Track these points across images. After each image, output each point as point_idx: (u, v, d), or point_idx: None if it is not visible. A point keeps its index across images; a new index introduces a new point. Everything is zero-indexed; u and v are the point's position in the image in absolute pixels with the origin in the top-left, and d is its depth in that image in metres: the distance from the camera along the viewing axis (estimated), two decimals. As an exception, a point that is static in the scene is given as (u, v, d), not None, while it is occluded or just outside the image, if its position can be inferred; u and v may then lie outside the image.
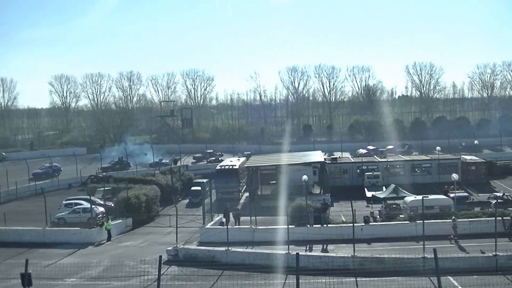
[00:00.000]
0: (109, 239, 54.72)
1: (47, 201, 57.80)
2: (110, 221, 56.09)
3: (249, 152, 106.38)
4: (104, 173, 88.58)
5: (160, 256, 25.71)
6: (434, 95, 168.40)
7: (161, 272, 25.84)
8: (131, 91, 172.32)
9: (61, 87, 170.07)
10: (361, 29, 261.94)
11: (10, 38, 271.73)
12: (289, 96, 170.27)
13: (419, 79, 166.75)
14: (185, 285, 35.47)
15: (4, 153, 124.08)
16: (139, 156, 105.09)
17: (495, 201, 58.08)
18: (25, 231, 56.96)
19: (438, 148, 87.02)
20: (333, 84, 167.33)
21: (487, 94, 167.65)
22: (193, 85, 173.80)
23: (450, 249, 41.55)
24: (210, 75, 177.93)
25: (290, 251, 40.55)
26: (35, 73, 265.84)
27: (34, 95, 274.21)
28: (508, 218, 48.99)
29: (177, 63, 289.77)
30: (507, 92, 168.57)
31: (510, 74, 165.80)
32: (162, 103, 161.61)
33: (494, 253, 37.69)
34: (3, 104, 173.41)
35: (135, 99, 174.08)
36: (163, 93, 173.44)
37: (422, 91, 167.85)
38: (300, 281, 23.59)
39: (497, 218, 43.87)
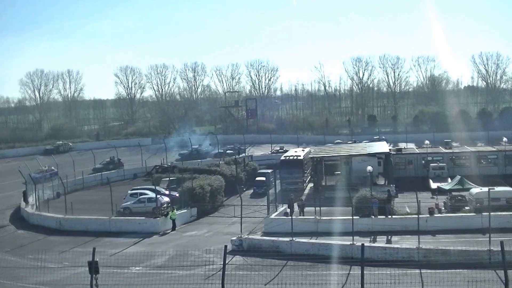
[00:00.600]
0: (173, 228, 55.29)
1: (113, 191, 58.69)
2: (175, 211, 56.65)
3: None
4: (169, 163, 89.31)
5: (225, 246, 25.92)
6: (500, 85, 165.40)
7: (226, 262, 26.07)
8: (196, 82, 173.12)
9: (126, 78, 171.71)
10: (426, 19, 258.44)
11: (76, 30, 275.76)
12: (354, 87, 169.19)
13: (485, 69, 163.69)
14: (249, 275, 35.61)
15: (71, 144, 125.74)
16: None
17: None
18: (92, 220, 58.03)
19: (504, 139, 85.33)
20: (398, 75, 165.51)
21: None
22: (258, 76, 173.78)
23: (517, 241, 40.96)
24: (275, 66, 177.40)
25: (355, 242, 40.51)
26: (100, 65, 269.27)
27: (99, 86, 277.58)
28: None
29: (241, 53, 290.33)
30: None
31: None
32: (227, 94, 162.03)
33: None
34: (69, 95, 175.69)
35: (199, 89, 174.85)
36: (227, 84, 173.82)
37: (489, 81, 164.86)
38: (364, 272, 23.62)
39: None
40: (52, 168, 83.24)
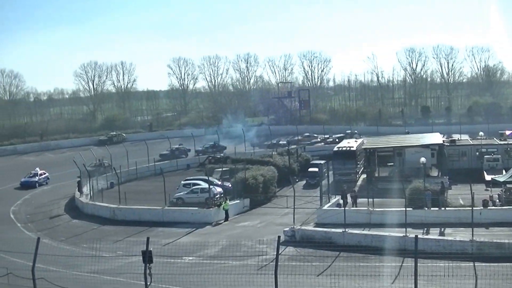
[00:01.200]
0: (226, 219, 55.61)
1: (166, 181, 59.01)
2: (227, 202, 56.94)
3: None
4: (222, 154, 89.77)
5: (279, 237, 26.04)
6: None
7: (279, 252, 26.22)
8: (248, 73, 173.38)
9: (179, 69, 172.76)
10: (481, 8, 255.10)
11: (129, 22, 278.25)
12: (407, 77, 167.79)
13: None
14: (302, 266, 35.77)
15: (124, 134, 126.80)
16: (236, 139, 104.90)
17: None
18: (145, 210, 58.61)
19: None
20: (452, 65, 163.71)
21: None
22: (310, 66, 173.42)
23: None
24: (327, 56, 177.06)
25: (407, 234, 40.39)
26: (153, 56, 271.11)
27: (152, 77, 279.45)
28: None
29: (293, 44, 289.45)
30: None
31: None
32: (279, 85, 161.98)
33: None
34: (123, 86, 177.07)
35: (252, 80, 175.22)
36: (280, 75, 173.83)
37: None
38: (417, 264, 23.58)
39: None
40: (105, 161, 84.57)
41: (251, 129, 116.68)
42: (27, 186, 77.90)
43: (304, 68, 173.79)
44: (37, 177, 79.80)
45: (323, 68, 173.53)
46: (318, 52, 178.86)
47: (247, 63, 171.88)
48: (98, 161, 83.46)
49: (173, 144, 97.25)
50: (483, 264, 34.16)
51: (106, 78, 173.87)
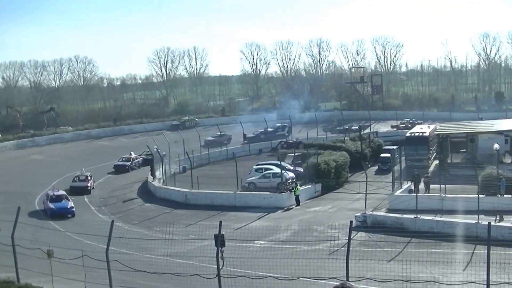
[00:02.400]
0: (297, 204, 55.85)
1: (238, 166, 59.53)
2: (298, 187, 57.20)
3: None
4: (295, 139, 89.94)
5: (351, 222, 26.33)
6: None
7: (351, 237, 26.47)
8: (321, 58, 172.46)
9: (251, 54, 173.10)
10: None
11: (201, 7, 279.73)
12: (481, 63, 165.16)
13: None
14: (373, 251, 35.94)
15: (196, 119, 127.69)
16: None
17: None
18: (217, 195, 59.32)
19: None
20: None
21: None
22: (383, 52, 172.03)
23: None
24: (400, 42, 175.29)
25: (480, 221, 40.15)
26: (226, 41, 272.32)
27: (225, 62, 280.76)
28: None
29: (366, 29, 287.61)
30: None
31: None
32: (352, 70, 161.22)
33: None
34: (195, 71, 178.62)
35: (324, 65, 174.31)
36: (352, 60, 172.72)
37: None
38: (490, 251, 23.56)
39: None
40: (225, 133, 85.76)
41: (323, 114, 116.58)
42: (120, 170, 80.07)
43: (376, 53, 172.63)
44: (129, 162, 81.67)
45: (396, 53, 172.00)
46: (391, 37, 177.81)
47: (320, 48, 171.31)
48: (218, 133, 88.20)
49: (245, 129, 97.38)
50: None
51: (178, 63, 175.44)
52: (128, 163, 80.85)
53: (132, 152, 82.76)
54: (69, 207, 54.61)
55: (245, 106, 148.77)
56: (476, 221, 40.47)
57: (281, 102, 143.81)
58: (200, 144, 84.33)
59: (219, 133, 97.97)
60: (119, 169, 79.63)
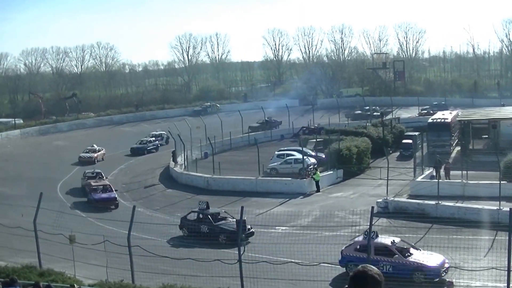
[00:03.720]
0: (318, 190, 55.97)
1: (260, 151, 59.71)
2: (318, 173, 57.25)
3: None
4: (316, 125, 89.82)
5: (372, 207, 26.50)
6: None
7: (372, 223, 26.63)
8: (343, 44, 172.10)
9: (274, 40, 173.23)
10: None
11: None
12: (503, 49, 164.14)
13: None
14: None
15: (218, 105, 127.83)
16: None
17: None
18: (239, 180, 59.60)
19: None
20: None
21: None
22: (405, 38, 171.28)
23: None
24: (422, 28, 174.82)
25: (501, 207, 40.12)
26: (248, 27, 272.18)
27: (247, 48, 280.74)
28: None
29: (388, 15, 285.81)
30: None
31: None
32: (374, 56, 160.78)
33: None
34: (217, 57, 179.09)
35: (346, 51, 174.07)
36: (374, 46, 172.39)
37: None
38: (511, 238, 23.62)
39: None
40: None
41: (346, 100, 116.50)
42: (137, 152, 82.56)
43: (399, 39, 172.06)
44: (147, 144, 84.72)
45: (418, 39, 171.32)
46: (413, 23, 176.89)
47: (342, 34, 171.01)
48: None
49: (267, 114, 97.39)
50: None
51: (200, 49, 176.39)
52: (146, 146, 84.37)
53: (94, 144, 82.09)
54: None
55: (267, 92, 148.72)
56: (498, 208, 40.39)
57: (303, 88, 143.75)
58: (221, 130, 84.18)
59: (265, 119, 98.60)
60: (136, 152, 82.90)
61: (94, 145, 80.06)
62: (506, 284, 23.80)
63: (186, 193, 58.66)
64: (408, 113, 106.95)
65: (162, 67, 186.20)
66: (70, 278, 27.44)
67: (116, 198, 54.09)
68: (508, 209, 25.55)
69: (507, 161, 52.07)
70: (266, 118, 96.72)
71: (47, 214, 31.38)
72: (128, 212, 29.73)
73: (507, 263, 23.56)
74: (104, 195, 53.86)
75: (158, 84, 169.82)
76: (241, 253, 26.05)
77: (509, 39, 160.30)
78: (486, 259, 30.05)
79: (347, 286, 6.83)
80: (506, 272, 23.65)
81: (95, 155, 77.38)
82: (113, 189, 55.73)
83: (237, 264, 26.33)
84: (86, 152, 77.64)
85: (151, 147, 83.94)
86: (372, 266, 6.87)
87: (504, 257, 24.32)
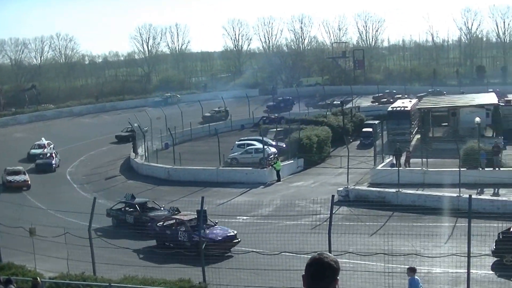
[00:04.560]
0: (278, 179, 56.00)
1: (221, 141, 59.50)
2: (279, 162, 57.24)
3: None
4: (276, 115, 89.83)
5: (332, 196, 26.48)
6: None
7: (333, 212, 26.59)
8: (303, 33, 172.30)
9: (233, 30, 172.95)
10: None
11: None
12: (462, 37, 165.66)
13: None
14: (355, 226, 36.11)
15: (179, 95, 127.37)
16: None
17: None
18: (200, 171, 59.48)
19: None
20: (508, 24, 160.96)
21: None
22: (365, 27, 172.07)
23: None
24: (382, 17, 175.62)
25: (461, 194, 40.38)
26: (208, 18, 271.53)
27: (207, 39, 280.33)
28: None
29: (348, 5, 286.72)
30: None
31: None
32: (334, 45, 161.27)
33: None
34: (177, 48, 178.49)
35: (306, 41, 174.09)
36: (334, 35, 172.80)
37: None
38: (471, 224, 23.76)
39: None
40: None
41: (306, 89, 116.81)
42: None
43: (358, 29, 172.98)
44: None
45: (378, 28, 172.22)
46: (373, 13, 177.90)
47: (302, 23, 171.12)
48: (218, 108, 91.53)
49: (227, 104, 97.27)
50: (538, 224, 34.25)
51: (160, 40, 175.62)
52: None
53: (42, 138, 79.43)
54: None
55: (227, 82, 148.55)
56: (458, 195, 40.71)
57: (263, 77, 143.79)
58: (182, 120, 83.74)
59: (216, 109, 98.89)
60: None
61: (43, 139, 76.69)
62: (466, 270, 23.92)
63: (147, 184, 58.33)
64: (368, 102, 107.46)
65: (122, 58, 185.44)
66: (31, 271, 27.18)
67: (26, 180, 58.84)
68: (467, 196, 25.71)
69: (467, 149, 52.50)
70: (223, 107, 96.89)
71: (7, 207, 31.05)
72: (88, 204, 29.46)
73: (467, 249, 23.67)
74: (17, 178, 58.77)
75: (118, 75, 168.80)
76: (203, 244, 25.97)
77: (468, 27, 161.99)
78: (447, 246, 30.20)
79: (303, 274, 6.73)
80: (466, 258, 23.76)
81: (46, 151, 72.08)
82: (26, 173, 60.04)
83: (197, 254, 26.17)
84: (36, 148, 73.62)
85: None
86: (328, 253, 6.79)
87: (464, 243, 24.44)
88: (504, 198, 41.66)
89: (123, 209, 42.67)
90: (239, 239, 33.41)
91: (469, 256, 23.61)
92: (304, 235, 30.83)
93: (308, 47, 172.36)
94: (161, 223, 37.50)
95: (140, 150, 69.79)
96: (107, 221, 41.00)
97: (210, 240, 31.46)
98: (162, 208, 42.01)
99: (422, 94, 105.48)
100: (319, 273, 6.58)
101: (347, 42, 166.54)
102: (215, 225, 35.18)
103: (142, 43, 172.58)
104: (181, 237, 34.40)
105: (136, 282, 25.41)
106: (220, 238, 33.06)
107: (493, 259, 28.45)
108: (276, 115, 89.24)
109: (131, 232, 37.49)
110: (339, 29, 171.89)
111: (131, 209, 42.15)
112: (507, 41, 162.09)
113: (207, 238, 30.41)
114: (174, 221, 36.93)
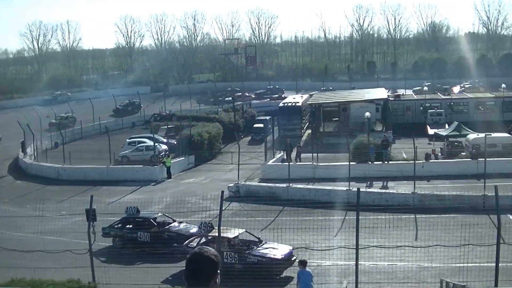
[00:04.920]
0: (169, 176, 55.57)
1: (111, 139, 59.03)
2: (169, 159, 56.85)
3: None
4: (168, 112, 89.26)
5: (222, 192, 26.15)
6: (501, 32, 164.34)
7: (223, 208, 26.30)
8: (195, 30, 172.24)
9: (126, 27, 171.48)
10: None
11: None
12: (354, 33, 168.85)
13: (487, 16, 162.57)
14: (246, 221, 35.92)
15: (69, 94, 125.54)
16: None
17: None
18: (90, 169, 58.54)
19: (503, 85, 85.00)
20: (399, 21, 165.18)
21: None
22: (258, 23, 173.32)
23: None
24: (275, 13, 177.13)
25: (351, 188, 40.76)
26: (100, 15, 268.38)
27: (99, 36, 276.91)
28: None
29: (241, 1, 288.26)
30: None
31: None
32: (226, 41, 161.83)
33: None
34: (68, 45, 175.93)
35: (199, 37, 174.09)
36: (227, 32, 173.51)
37: (489, 28, 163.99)
38: (360, 217, 23.88)
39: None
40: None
41: (198, 86, 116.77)
42: None
43: (251, 25, 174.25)
44: None
45: (270, 25, 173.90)
46: (266, 9, 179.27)
47: (194, 20, 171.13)
48: (65, 114, 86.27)
49: (118, 102, 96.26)
50: (424, 215, 34.97)
51: (51, 37, 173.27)
52: None
53: None
54: None
55: (119, 80, 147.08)
56: (347, 188, 41.09)
57: (155, 75, 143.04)
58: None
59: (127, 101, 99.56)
60: None
61: None
62: (355, 262, 24.00)
63: (36, 184, 56.91)
64: (260, 98, 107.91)
65: (11, 56, 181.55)
66: None
67: None
68: (356, 189, 25.85)
69: (356, 143, 53.23)
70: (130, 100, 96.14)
71: None
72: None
73: (355, 241, 23.75)
74: None
75: (7, 73, 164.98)
76: (92, 242, 25.46)
77: (359, 23, 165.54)
78: (336, 239, 30.29)
79: (184, 269, 6.50)
80: (355, 250, 23.84)
81: None
82: None
83: (88, 254, 26.01)
84: None
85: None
86: (209, 248, 6.59)
87: (353, 236, 24.50)
88: (392, 191, 42.31)
89: (129, 225, 35.82)
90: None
91: (357, 248, 23.70)
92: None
93: (201, 44, 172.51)
94: (193, 242, 29.95)
95: (29, 150, 68.08)
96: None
97: (269, 260, 28.00)
98: (175, 222, 35.60)
99: (260, 91, 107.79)
100: (200, 267, 6.50)
101: (239, 38, 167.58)
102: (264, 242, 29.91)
103: (32, 40, 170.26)
104: (227, 258, 27.90)
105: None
106: (282, 256, 28.30)
107: (380, 250, 28.60)
108: (167, 112, 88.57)
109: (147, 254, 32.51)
110: (232, 26, 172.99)
111: (144, 225, 35.09)
112: (398, 38, 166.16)
113: (266, 258, 27.89)
114: (209, 238, 29.52)
